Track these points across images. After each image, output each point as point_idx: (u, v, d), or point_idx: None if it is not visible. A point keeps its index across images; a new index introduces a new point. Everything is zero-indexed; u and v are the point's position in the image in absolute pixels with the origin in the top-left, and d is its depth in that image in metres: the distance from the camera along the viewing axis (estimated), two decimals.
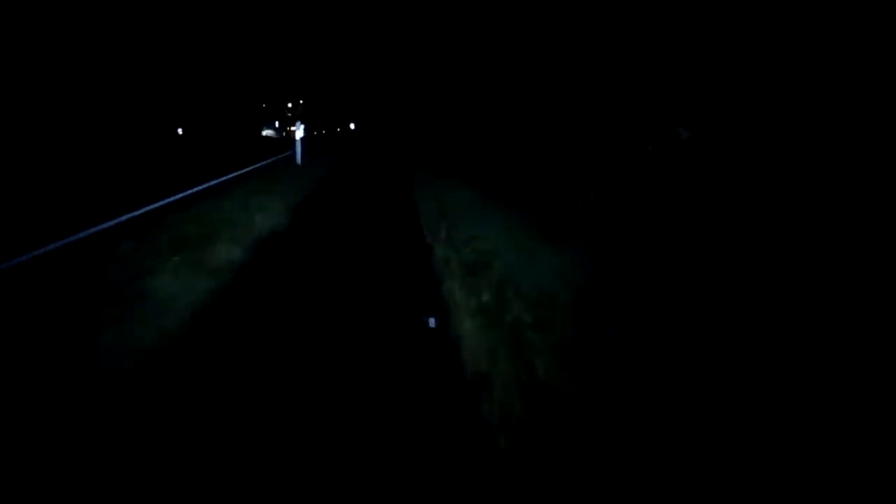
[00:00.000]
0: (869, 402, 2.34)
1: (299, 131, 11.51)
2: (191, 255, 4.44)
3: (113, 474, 1.82)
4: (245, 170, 10.56)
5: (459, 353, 2.92)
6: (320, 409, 2.31)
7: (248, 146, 22.41)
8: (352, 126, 45.05)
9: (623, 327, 3.26)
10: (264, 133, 45.74)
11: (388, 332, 3.16)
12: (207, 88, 36.26)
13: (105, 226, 5.24)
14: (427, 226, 6.27)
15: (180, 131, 26.19)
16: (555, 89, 8.22)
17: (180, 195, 7.29)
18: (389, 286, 4.08)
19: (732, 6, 5.10)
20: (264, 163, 12.28)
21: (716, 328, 3.24)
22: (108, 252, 4.37)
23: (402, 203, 8.14)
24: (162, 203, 6.55)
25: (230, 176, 9.58)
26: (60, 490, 1.75)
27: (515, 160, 11.71)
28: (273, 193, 7.82)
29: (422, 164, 15.28)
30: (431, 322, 3.39)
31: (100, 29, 23.13)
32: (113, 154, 14.11)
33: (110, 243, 4.64)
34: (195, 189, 7.88)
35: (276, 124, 63.05)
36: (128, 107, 23.03)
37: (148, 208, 6.14)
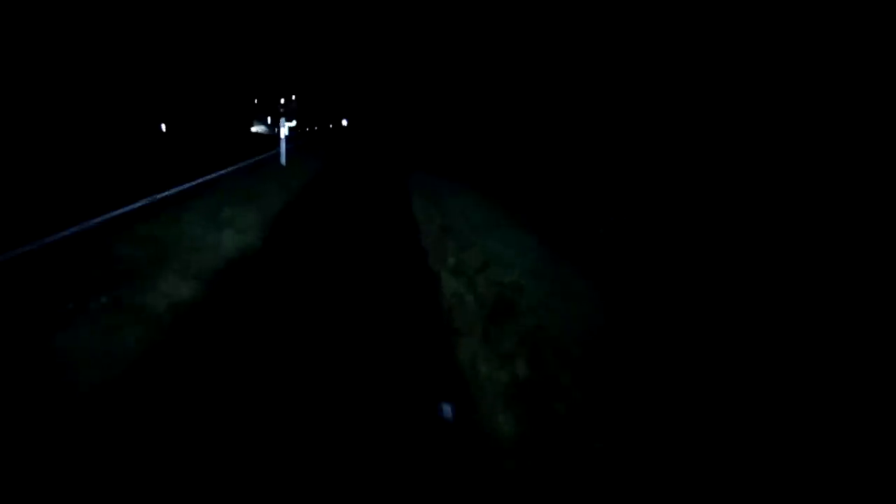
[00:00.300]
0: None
1: (283, 129, 10.37)
2: (125, 295, 3.36)
3: None
4: (223, 171, 9.41)
5: (496, 480, 1.88)
6: None
7: (234, 143, 21.22)
8: (344, 122, 43.81)
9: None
10: (255, 129, 44.51)
11: (385, 435, 2.12)
12: (198, 83, 34.97)
13: (11, 254, 4.11)
14: (431, 246, 5.22)
15: (164, 127, 24.85)
16: (580, 81, 7.21)
17: (137, 205, 6.18)
18: (384, 344, 3.03)
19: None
20: (246, 163, 11.11)
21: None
22: (4, 294, 3.28)
23: (399, 215, 7.08)
24: (107, 217, 5.43)
25: (204, 179, 8.45)
26: None
27: (526, 164, 10.74)
28: (249, 201, 6.72)
29: (420, 165, 14.21)
30: (447, 412, 2.35)
31: (75, 12, 21.78)
32: (78, 152, 12.92)
33: (14, 279, 3.55)
34: (159, 196, 6.77)
35: (269, 120, 61.53)
36: (106, 101, 21.74)
37: (85, 226, 5.03)
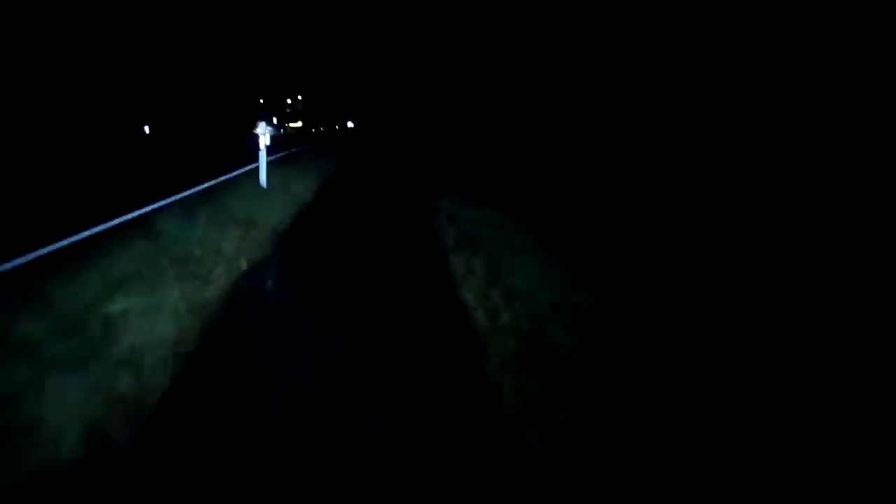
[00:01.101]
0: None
1: (264, 137, 7.66)
2: None
3: None
4: (171, 198, 6.70)
5: None
6: None
7: (224, 148, 18.62)
8: (350, 125, 41.25)
9: None
10: (258, 131, 42.11)
11: None
12: (197, 81, 32.57)
13: None
14: (513, 400, 2.48)
15: (147, 129, 22.31)
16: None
17: None
18: None
19: None
20: (216, 181, 8.39)
21: None
22: None
23: (435, 296, 4.35)
24: None
25: (136, 214, 5.75)
26: None
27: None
28: (178, 270, 3.99)
29: (444, 183, 11.40)
30: None
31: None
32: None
33: None
34: (17, 262, 4.04)
35: (274, 120, 59.01)
36: (80, 95, 19.26)
37: None
